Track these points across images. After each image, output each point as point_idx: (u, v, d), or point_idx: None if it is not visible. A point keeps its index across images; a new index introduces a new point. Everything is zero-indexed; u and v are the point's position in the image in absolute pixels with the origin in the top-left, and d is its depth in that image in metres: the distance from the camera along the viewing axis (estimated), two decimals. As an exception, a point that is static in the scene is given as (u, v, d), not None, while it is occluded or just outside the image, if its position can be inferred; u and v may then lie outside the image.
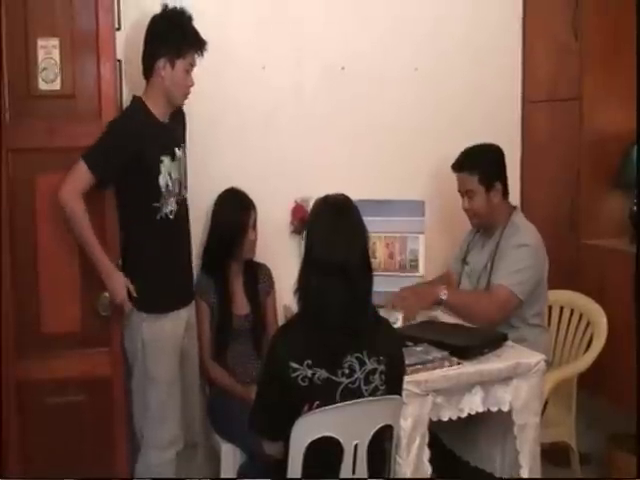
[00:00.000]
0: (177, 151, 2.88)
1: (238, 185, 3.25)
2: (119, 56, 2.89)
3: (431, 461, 2.60)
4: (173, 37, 2.80)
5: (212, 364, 3.16)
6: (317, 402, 2.16)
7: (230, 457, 3.00)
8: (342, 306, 2.18)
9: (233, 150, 3.36)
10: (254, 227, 3.22)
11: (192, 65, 2.86)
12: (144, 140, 2.77)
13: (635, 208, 3.41)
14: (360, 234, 2.25)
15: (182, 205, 2.92)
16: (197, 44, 2.84)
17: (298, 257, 3.11)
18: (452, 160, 3.19)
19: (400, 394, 2.32)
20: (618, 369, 3.23)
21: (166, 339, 2.85)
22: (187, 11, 2.84)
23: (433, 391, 2.59)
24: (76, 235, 2.72)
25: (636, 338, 2.78)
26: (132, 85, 3.00)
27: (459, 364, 2.67)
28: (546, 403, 3.01)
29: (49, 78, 2.74)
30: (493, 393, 2.70)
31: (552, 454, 3.19)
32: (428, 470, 2.59)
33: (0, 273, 2.72)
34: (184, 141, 3.00)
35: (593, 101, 3.54)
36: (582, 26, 3.52)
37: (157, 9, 2.86)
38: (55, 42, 2.73)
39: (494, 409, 2.71)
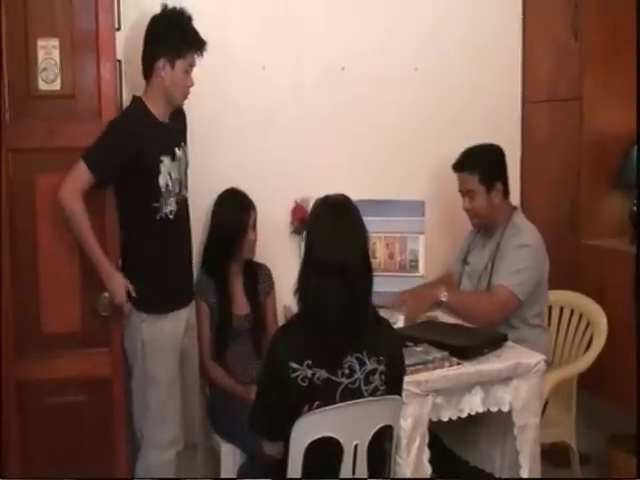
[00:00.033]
0: (177, 151, 2.88)
1: (238, 185, 3.25)
2: (119, 56, 2.89)
3: (431, 461, 2.60)
4: (173, 37, 2.80)
5: (212, 364, 3.16)
6: (317, 402, 2.16)
7: (230, 457, 3.00)
8: (342, 306, 2.18)
9: (233, 150, 3.36)
10: (254, 227, 3.22)
11: (192, 65, 2.86)
12: (144, 140, 2.77)
13: (635, 208, 3.41)
14: (360, 234, 2.25)
15: (182, 205, 2.92)
16: (197, 44, 2.84)
17: (298, 257, 3.11)
18: (452, 160, 3.19)
19: (400, 394, 2.32)
20: (618, 369, 3.23)
21: (166, 339, 2.85)
22: (187, 11, 2.84)
23: (433, 391, 2.59)
24: (75, 235, 2.72)
25: (636, 338, 2.78)
26: (132, 85, 2.99)
27: (459, 364, 2.67)
28: (546, 403, 3.01)
29: (49, 78, 2.74)
30: (493, 393, 2.70)
31: (552, 454, 3.20)
32: (428, 470, 2.59)
33: (0, 273, 2.72)
34: (184, 141, 2.99)
35: (593, 101, 3.54)
36: (582, 26, 3.52)
37: (157, 9, 2.86)
38: (55, 42, 2.73)
39: (494, 409, 2.71)
